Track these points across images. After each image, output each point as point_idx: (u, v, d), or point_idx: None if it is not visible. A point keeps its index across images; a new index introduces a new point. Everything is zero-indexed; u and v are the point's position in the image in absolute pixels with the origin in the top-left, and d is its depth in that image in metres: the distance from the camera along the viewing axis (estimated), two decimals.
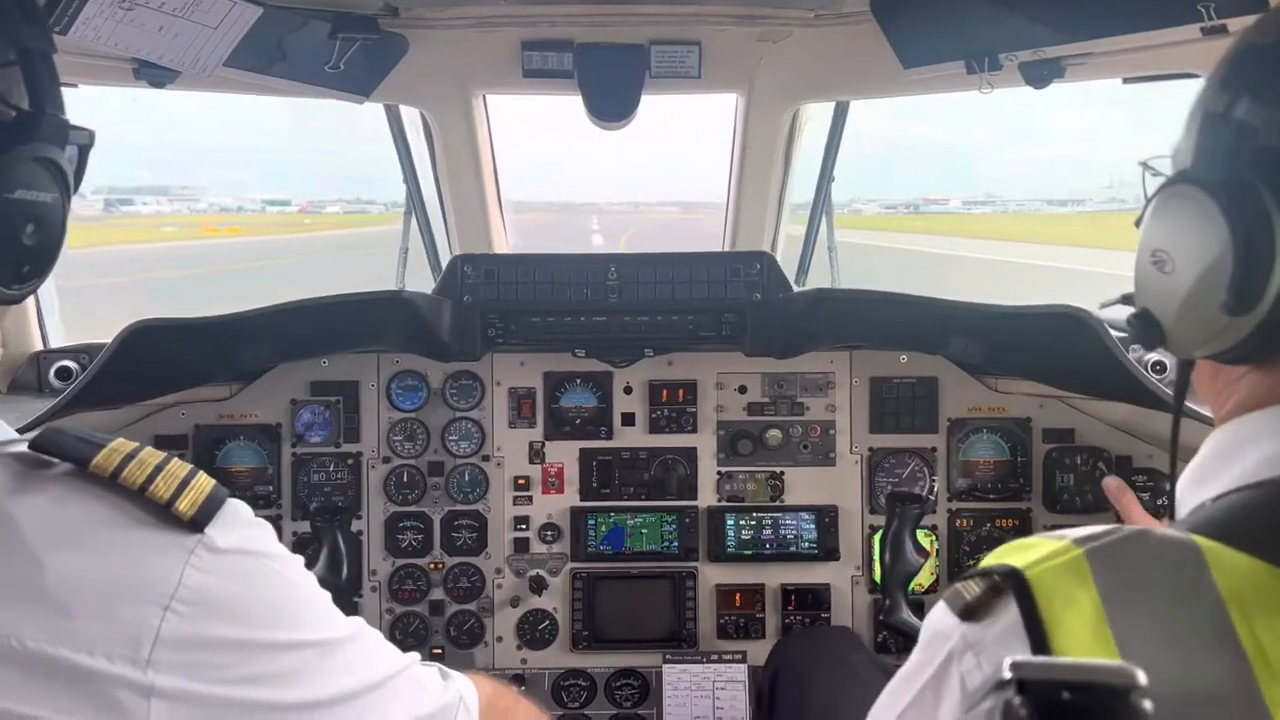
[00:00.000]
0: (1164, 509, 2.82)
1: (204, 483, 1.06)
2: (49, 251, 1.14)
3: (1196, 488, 1.04)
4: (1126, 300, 1.24)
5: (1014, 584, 0.92)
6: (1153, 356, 2.83)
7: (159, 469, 1.04)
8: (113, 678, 0.96)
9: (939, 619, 1.00)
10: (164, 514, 1.02)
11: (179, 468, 1.06)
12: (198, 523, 1.03)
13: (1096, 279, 17.03)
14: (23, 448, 1.04)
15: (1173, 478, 1.14)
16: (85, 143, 1.20)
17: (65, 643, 0.95)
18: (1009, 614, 0.92)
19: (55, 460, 1.03)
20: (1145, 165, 1.16)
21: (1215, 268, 0.96)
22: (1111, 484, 1.79)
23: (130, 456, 1.04)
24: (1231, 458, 1.01)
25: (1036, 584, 0.91)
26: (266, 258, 27.06)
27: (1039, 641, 0.89)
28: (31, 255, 1.12)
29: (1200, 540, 0.91)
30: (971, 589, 0.96)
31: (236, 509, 1.09)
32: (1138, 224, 1.08)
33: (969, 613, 0.95)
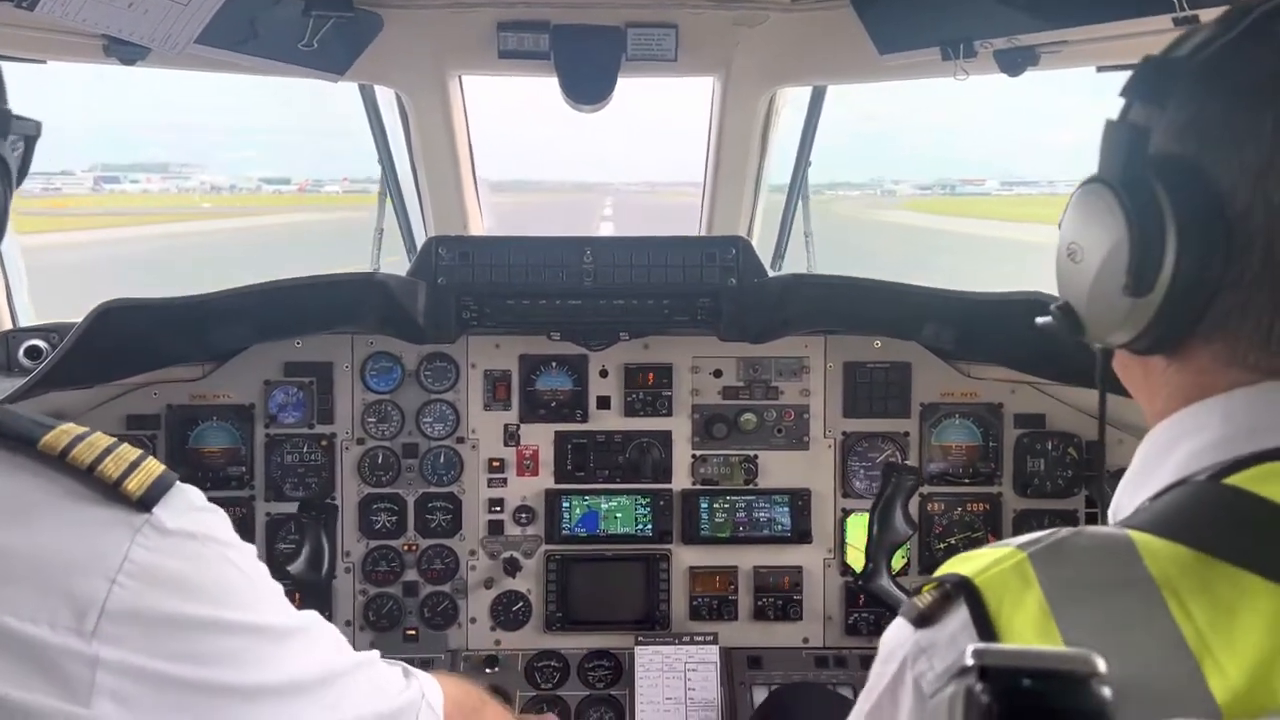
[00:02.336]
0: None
1: (153, 466, 1.07)
2: None
3: (1135, 491, 1.08)
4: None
5: (964, 591, 0.96)
6: None
7: (108, 451, 1.05)
8: (57, 647, 0.96)
9: (894, 630, 1.05)
10: (112, 493, 1.03)
11: (129, 451, 1.07)
12: (145, 502, 1.03)
13: None
14: None
15: (1101, 462, 1.19)
16: (32, 134, 1.18)
17: (9, 611, 0.96)
18: (959, 617, 0.96)
19: (4, 438, 1.03)
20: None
21: (1115, 252, 1.03)
22: None
23: (80, 438, 1.04)
24: (1162, 458, 1.06)
25: (985, 589, 0.95)
26: None
27: (989, 640, 0.92)
28: None
29: (1131, 532, 0.95)
30: (924, 599, 1.00)
31: (186, 493, 1.10)
32: (1059, 226, 1.16)
33: (922, 620, 0.99)
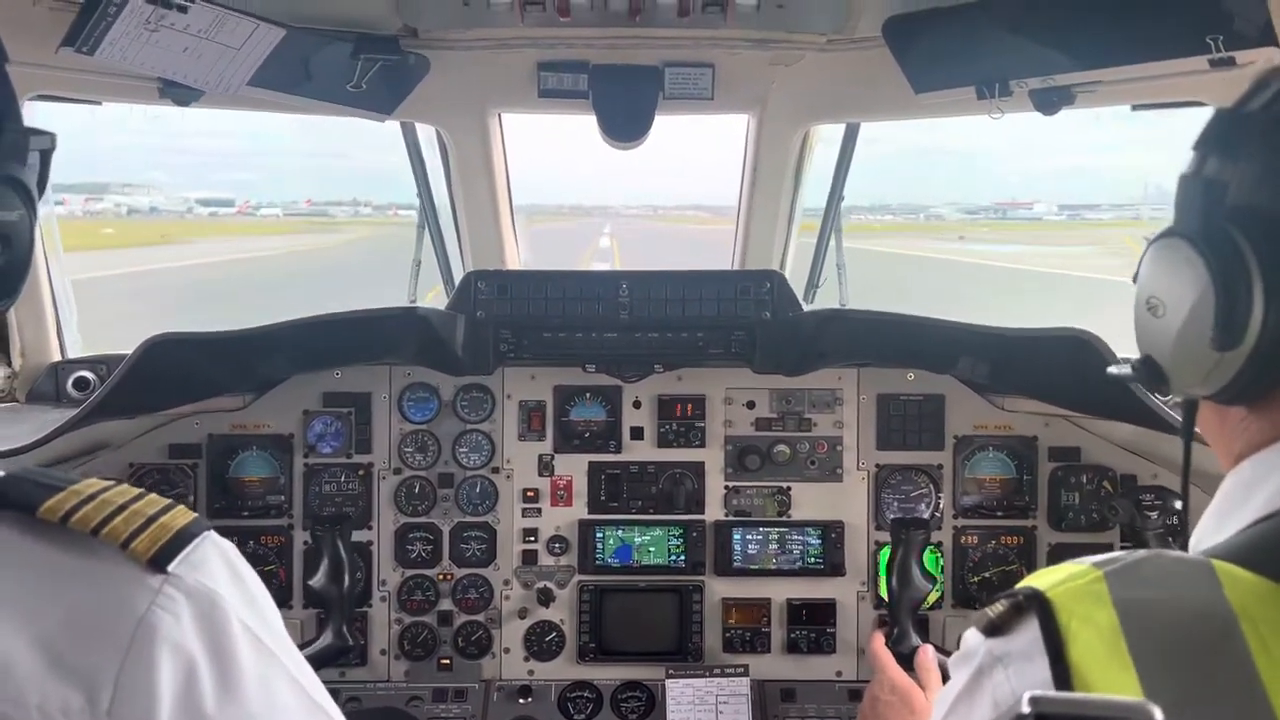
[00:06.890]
0: (1175, 529, 2.86)
1: (170, 520, 0.97)
2: (17, 270, 1.09)
3: (1216, 530, 1.08)
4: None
5: (1036, 604, 0.97)
6: None
7: (123, 508, 0.95)
8: None
9: (968, 639, 1.06)
10: (119, 556, 0.94)
11: (149, 505, 0.97)
12: (158, 562, 0.94)
13: None
14: None
15: (1185, 513, 1.22)
16: (47, 147, 1.15)
17: (10, 703, 0.87)
18: (1030, 629, 0.96)
19: (4, 508, 0.94)
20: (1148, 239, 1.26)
21: (1199, 306, 1.03)
22: (921, 657, 2.41)
23: (90, 498, 0.95)
24: (1246, 497, 1.06)
25: (1057, 603, 0.96)
26: None
27: (1057, 655, 0.93)
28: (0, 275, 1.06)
29: (1213, 560, 0.95)
30: (996, 609, 1.02)
31: (209, 549, 0.99)
32: (1135, 279, 1.17)
33: (993, 629, 1.01)
